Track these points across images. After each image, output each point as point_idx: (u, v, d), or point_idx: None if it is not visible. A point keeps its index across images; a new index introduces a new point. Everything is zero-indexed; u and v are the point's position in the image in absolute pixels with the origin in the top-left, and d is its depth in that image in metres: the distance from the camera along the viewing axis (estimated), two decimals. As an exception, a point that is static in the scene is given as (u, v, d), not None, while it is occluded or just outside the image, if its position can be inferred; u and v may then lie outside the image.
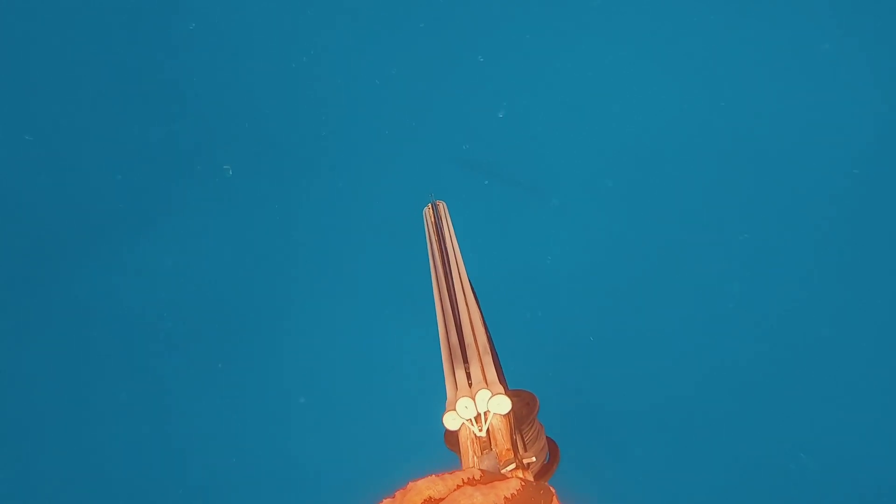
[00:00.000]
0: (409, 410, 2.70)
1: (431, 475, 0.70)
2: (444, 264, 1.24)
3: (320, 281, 3.18)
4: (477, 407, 0.93)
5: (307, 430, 2.94)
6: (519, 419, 1.03)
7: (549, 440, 1.13)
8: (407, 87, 3.30)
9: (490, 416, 0.93)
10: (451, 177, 3.20)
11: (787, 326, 2.78)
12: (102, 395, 3.02)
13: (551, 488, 0.76)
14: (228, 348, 3.10)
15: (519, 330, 2.86)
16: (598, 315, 2.94)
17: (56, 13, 3.29)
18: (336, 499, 2.45)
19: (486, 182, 3.13)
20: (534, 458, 1.00)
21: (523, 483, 0.71)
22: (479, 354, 1.01)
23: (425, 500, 0.67)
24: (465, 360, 1.01)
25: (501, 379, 1.00)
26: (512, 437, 0.91)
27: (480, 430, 0.92)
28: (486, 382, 0.96)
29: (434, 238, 1.32)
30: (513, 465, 0.87)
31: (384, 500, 0.70)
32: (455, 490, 0.67)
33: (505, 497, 0.67)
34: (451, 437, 0.96)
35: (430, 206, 1.42)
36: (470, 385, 0.97)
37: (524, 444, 1.01)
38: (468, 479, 0.70)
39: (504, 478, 0.72)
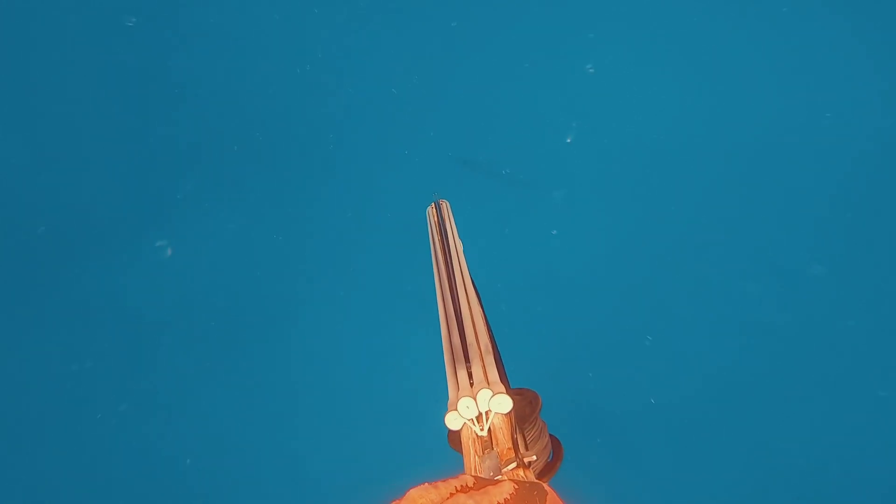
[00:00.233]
0: (415, 410, 2.70)
1: (425, 483, 0.70)
2: (446, 263, 1.24)
3: (327, 282, 3.19)
4: (478, 406, 0.94)
5: (312, 431, 2.94)
6: (521, 418, 1.03)
7: (553, 438, 1.13)
8: (414, 88, 3.31)
9: (491, 416, 0.93)
10: (458, 177, 3.20)
11: (789, 327, 2.77)
12: (107, 395, 3.04)
13: (545, 488, 0.76)
14: (231, 348, 3.11)
15: (523, 329, 2.86)
16: (604, 313, 2.94)
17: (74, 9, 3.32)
18: (339, 500, 2.46)
19: (487, 180, 3.14)
20: (534, 457, 1.00)
21: (516, 486, 0.72)
22: (480, 354, 1.02)
23: None
24: (467, 360, 1.02)
25: (503, 378, 1.01)
26: (513, 436, 0.92)
27: (482, 430, 0.92)
28: (488, 382, 0.96)
29: (437, 237, 1.33)
30: (514, 465, 0.87)
31: None
32: (448, 498, 0.68)
33: (498, 502, 0.68)
34: (455, 438, 0.97)
35: (433, 206, 1.43)
36: (471, 385, 0.97)
37: (525, 443, 1.02)
38: (461, 486, 0.70)
39: (497, 482, 0.73)
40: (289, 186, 3.31)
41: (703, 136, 3.01)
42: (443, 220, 1.37)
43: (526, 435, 1.04)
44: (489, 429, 0.92)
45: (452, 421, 0.95)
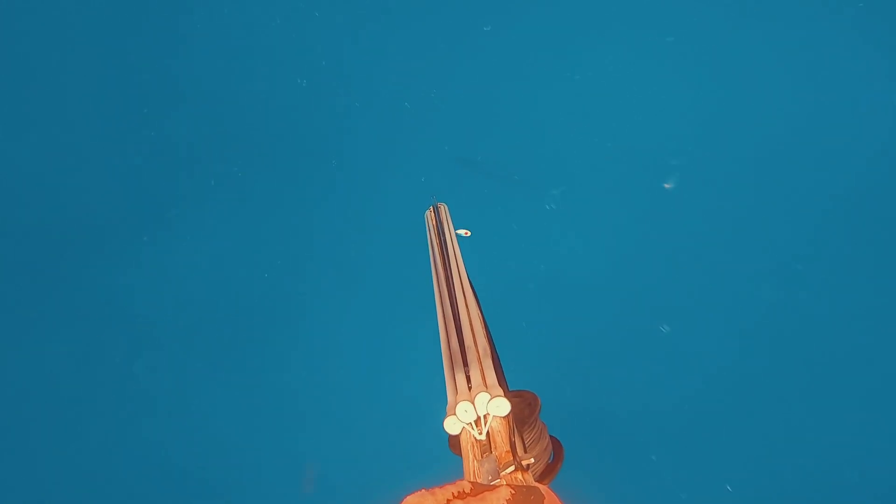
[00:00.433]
0: (416, 413, 2.70)
1: (422, 489, 0.70)
2: (444, 267, 1.24)
3: (328, 283, 3.19)
4: (476, 410, 0.93)
5: (312, 432, 2.94)
6: (520, 420, 1.03)
7: (553, 439, 1.12)
8: (415, 88, 3.30)
9: (490, 419, 0.93)
10: (458, 178, 3.20)
11: (792, 328, 2.76)
12: (111, 394, 3.04)
13: (543, 491, 0.76)
14: (231, 349, 3.11)
15: (523, 330, 2.86)
16: (604, 315, 2.93)
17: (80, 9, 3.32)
18: (343, 501, 2.47)
19: (487, 180, 3.13)
20: (533, 459, 1.00)
21: (513, 491, 0.71)
22: (478, 357, 1.01)
23: None
24: (466, 364, 1.01)
25: (502, 381, 1.00)
26: (511, 439, 0.91)
27: (480, 434, 0.92)
28: (486, 385, 0.96)
29: (435, 241, 1.32)
30: (512, 468, 0.87)
31: None
32: None
33: None
34: (455, 442, 0.96)
35: (431, 209, 1.42)
36: (470, 388, 0.97)
37: (524, 446, 1.01)
38: (458, 492, 0.70)
39: (493, 488, 0.73)
40: (290, 187, 3.31)
41: (707, 136, 3.00)
42: (441, 223, 1.37)
43: (525, 437, 1.03)
44: (487, 432, 0.92)
45: (451, 426, 0.94)
